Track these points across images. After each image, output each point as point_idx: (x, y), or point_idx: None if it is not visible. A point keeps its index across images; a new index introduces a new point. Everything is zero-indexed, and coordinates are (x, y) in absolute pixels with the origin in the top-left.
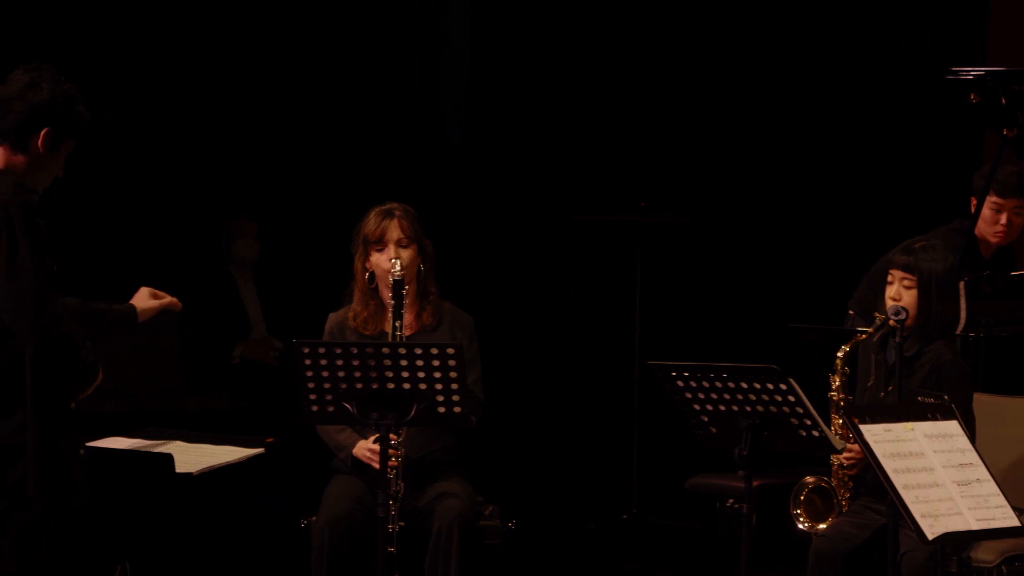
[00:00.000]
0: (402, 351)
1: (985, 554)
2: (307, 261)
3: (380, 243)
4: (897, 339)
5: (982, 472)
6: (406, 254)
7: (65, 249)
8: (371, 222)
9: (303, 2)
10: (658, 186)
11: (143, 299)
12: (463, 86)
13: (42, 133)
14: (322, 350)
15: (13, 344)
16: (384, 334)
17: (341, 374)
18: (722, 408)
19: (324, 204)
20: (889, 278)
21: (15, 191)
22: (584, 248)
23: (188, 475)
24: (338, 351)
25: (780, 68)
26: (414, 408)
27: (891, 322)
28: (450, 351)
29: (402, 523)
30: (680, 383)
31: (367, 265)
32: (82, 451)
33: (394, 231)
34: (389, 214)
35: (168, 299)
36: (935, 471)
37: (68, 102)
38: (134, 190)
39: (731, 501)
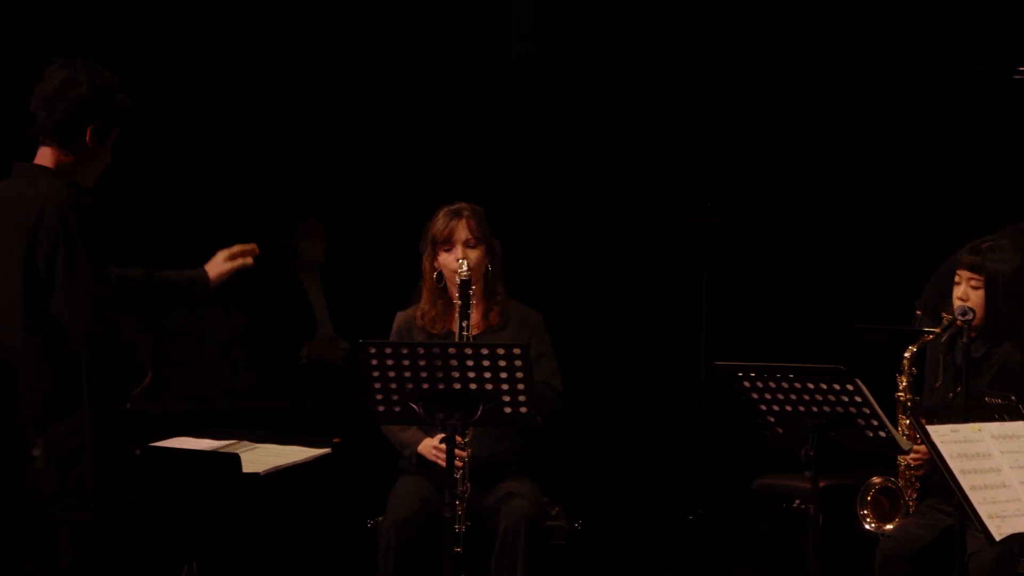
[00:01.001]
0: (468, 351)
1: None
2: (373, 261)
3: (448, 243)
4: (964, 340)
5: None
6: (474, 255)
7: (128, 247)
8: (439, 222)
9: (371, 4)
10: (713, 185)
11: (217, 265)
12: (532, 88)
13: (87, 129)
14: (388, 350)
15: (70, 346)
16: (452, 333)
17: (407, 374)
18: (788, 408)
19: (390, 203)
20: (956, 278)
21: (70, 193)
22: (650, 248)
23: (255, 475)
24: (404, 351)
25: (830, 67)
26: (480, 408)
27: (958, 322)
28: (516, 351)
29: (468, 523)
30: (747, 383)
31: (435, 264)
32: (137, 451)
33: (462, 231)
34: (458, 214)
35: (239, 261)
36: (1002, 472)
37: (108, 93)
38: (200, 191)
39: (797, 502)
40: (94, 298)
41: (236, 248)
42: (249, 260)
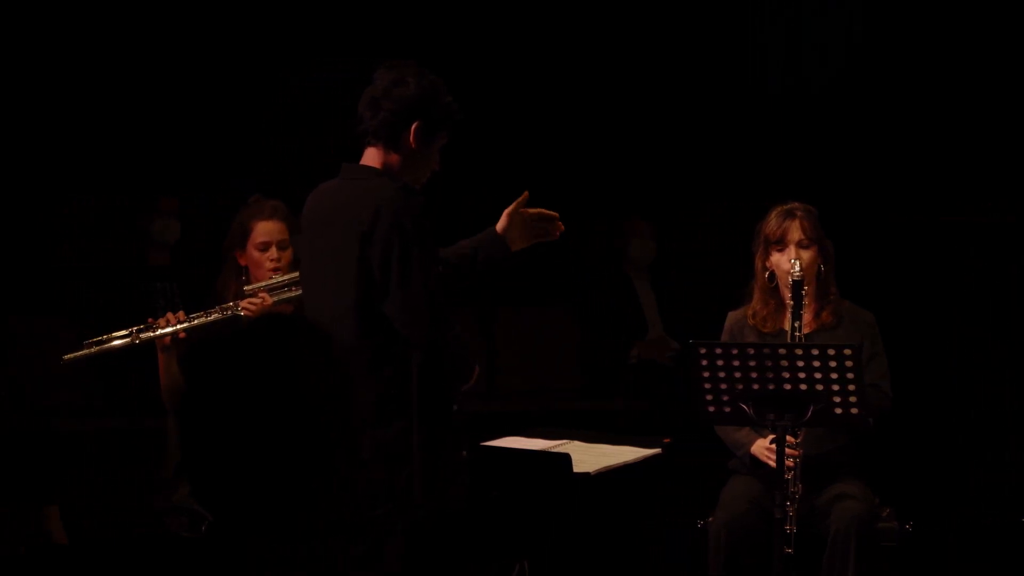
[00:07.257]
0: (798, 351)
1: None
2: (704, 260)
3: (781, 243)
4: None
5: None
6: (806, 255)
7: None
8: (772, 222)
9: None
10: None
11: (516, 235)
12: (859, 87)
13: (412, 128)
14: (719, 351)
15: (400, 350)
16: (783, 332)
17: (738, 375)
18: None
19: (717, 202)
20: None
21: (404, 196)
22: (980, 248)
23: (586, 475)
24: (735, 352)
25: None
26: (810, 409)
27: None
28: (847, 351)
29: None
30: None
31: (767, 264)
32: (463, 453)
33: (795, 232)
34: (791, 214)
35: (543, 233)
36: None
37: (435, 94)
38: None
39: None
40: (429, 302)
41: (533, 211)
42: (555, 234)
